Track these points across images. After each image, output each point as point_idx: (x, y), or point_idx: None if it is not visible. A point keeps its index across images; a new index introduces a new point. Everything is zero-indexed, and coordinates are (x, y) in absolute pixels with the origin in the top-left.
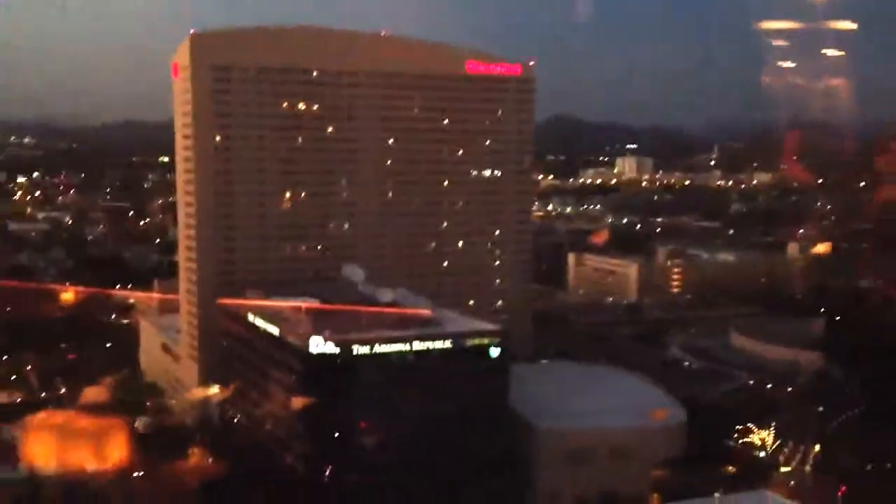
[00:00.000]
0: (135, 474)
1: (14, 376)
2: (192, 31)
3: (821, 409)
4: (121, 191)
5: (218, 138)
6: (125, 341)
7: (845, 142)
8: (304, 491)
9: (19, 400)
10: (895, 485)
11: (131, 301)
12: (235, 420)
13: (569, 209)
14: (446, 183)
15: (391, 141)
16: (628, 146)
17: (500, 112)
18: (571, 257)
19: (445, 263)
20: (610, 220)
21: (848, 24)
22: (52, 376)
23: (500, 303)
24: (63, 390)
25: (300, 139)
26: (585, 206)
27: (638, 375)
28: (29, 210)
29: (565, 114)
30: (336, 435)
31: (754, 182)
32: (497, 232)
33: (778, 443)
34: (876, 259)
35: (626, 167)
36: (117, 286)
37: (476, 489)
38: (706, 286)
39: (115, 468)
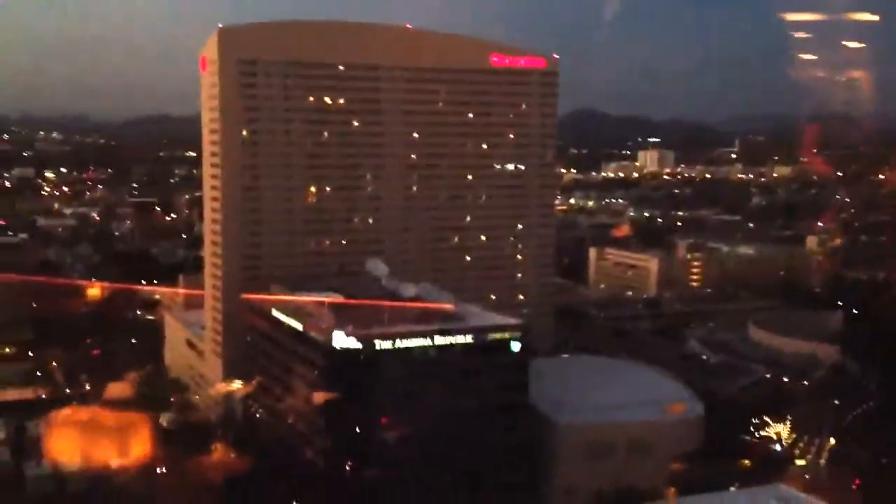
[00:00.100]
0: (159, 470)
1: (40, 372)
2: (219, 25)
3: (837, 402)
4: (148, 186)
5: (245, 132)
6: (150, 337)
7: (865, 134)
8: (326, 486)
9: (45, 396)
10: None
11: (157, 297)
12: (259, 415)
13: (591, 203)
14: (470, 177)
15: (416, 135)
16: (650, 140)
17: (523, 105)
18: (593, 251)
19: (468, 258)
20: (631, 214)
21: (869, 16)
22: (78, 372)
23: (521, 297)
24: (88, 386)
25: (326, 133)
26: (607, 200)
27: (657, 369)
28: (56, 206)
29: (588, 107)
30: (358, 430)
31: (775, 175)
32: (520, 226)
33: (794, 436)
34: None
35: (647, 161)
36: (143, 282)
37: (495, 483)
38: (726, 280)
39: (139, 464)
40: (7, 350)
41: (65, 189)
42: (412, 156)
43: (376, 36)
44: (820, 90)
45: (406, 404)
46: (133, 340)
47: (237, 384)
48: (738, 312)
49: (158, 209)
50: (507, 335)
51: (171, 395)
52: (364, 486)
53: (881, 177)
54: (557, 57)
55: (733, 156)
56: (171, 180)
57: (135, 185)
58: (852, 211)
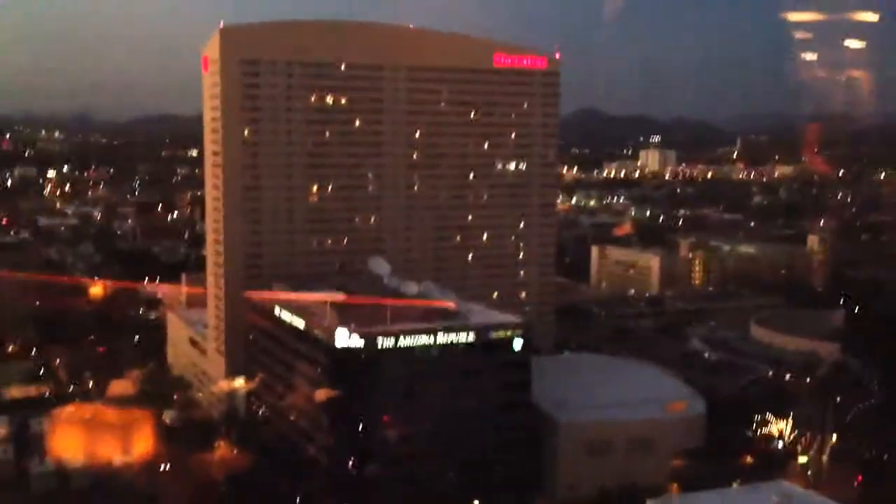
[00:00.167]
0: (162, 467)
1: (43, 370)
2: (221, 24)
3: (838, 400)
4: (150, 185)
5: (246, 132)
6: (153, 335)
7: (866, 134)
8: (329, 483)
9: (48, 393)
10: None
11: (159, 295)
12: (261, 413)
13: (593, 202)
14: (472, 176)
15: (417, 134)
16: (652, 139)
17: (525, 105)
18: (595, 250)
19: (470, 256)
20: (633, 213)
21: (870, 16)
22: (81, 370)
23: (523, 296)
24: (91, 384)
25: (328, 133)
26: (609, 199)
27: (659, 367)
28: (59, 205)
29: (590, 107)
30: (360, 427)
31: (776, 174)
32: (522, 225)
33: (795, 434)
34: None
35: (649, 160)
36: (145, 280)
37: (498, 481)
38: (727, 278)
39: (142, 461)
40: (10, 348)
41: (67, 188)
42: (414, 155)
43: (378, 35)
44: (821, 90)
45: (408, 402)
46: (136, 338)
47: (240, 382)
48: (739, 311)
49: (160, 208)
50: (508, 333)
51: (173, 392)
52: (366, 484)
53: (882, 176)
54: (560, 56)
55: (735, 155)
56: (173, 179)
57: (137, 184)
58: (853, 210)
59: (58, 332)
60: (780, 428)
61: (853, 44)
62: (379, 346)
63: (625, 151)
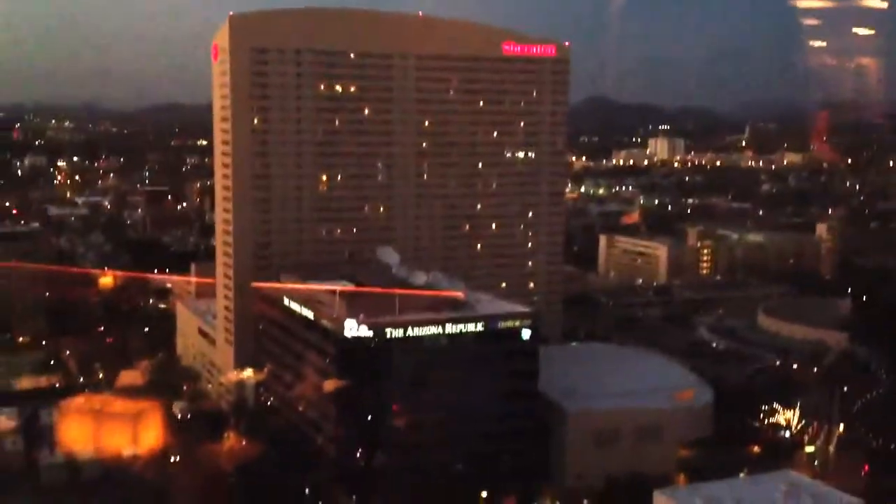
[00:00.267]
0: (171, 457)
1: (52, 360)
2: (230, 13)
3: (846, 389)
4: (160, 174)
5: (256, 120)
6: (162, 325)
7: (875, 122)
8: (338, 473)
9: (58, 384)
10: None
11: (168, 285)
12: (271, 403)
13: (601, 191)
14: (481, 165)
15: (427, 123)
16: (660, 127)
17: (534, 93)
18: (603, 239)
19: (479, 246)
20: (641, 202)
21: (879, 3)
22: (90, 360)
23: (532, 285)
24: (101, 374)
25: (337, 121)
26: (618, 188)
27: (666, 357)
28: (69, 194)
29: (599, 95)
30: (369, 417)
31: (784, 163)
32: (530, 214)
33: (803, 423)
34: None
35: (657, 148)
36: (155, 270)
37: (507, 470)
38: (735, 267)
39: (152, 452)
40: (20, 339)
41: (77, 178)
42: (423, 144)
43: (387, 23)
44: (830, 77)
45: (416, 392)
46: (145, 329)
47: (249, 372)
48: (747, 299)
49: (170, 198)
50: (517, 323)
51: (183, 383)
52: (375, 474)
53: (891, 164)
54: (569, 45)
55: (743, 143)
56: (183, 169)
57: (146, 173)
58: (862, 198)
59: (67, 323)
60: (787, 417)
61: (862, 31)
62: (387, 336)
63: (633, 140)
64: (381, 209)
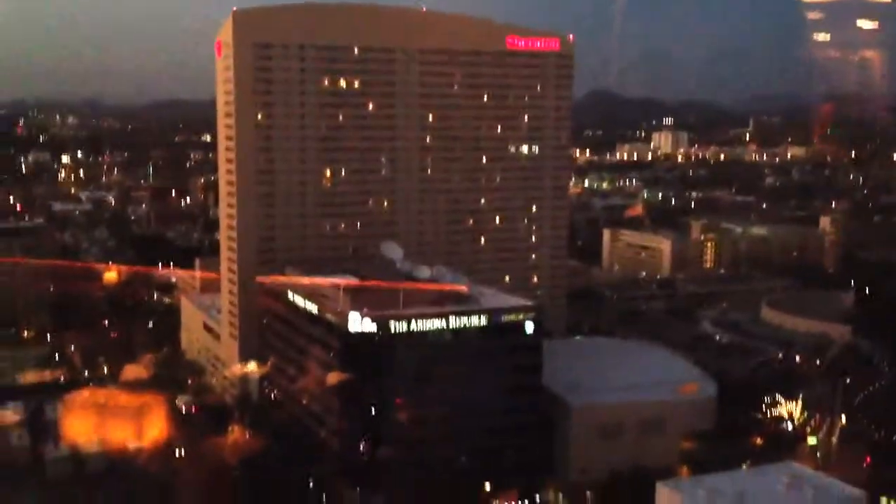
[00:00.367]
0: (176, 451)
1: (57, 355)
2: (234, 8)
3: (848, 381)
4: (164, 170)
5: (259, 116)
6: (167, 320)
7: (880, 115)
8: (342, 467)
9: (62, 378)
10: None
11: (173, 280)
12: (275, 397)
13: (605, 184)
14: (484, 160)
15: (430, 117)
16: (664, 121)
17: (538, 88)
18: (606, 233)
19: (483, 240)
20: (645, 196)
21: None
22: (95, 355)
23: (535, 279)
24: (105, 369)
25: (341, 116)
26: (621, 182)
27: (670, 350)
28: (73, 190)
29: (603, 89)
30: (373, 411)
31: (788, 156)
32: (534, 208)
33: (805, 415)
34: None
35: (661, 142)
36: (159, 265)
37: (511, 464)
38: (739, 260)
39: (156, 445)
40: (25, 334)
41: (81, 173)
42: (427, 138)
43: (390, 18)
44: (834, 70)
45: (420, 386)
46: (149, 324)
47: (253, 366)
48: (750, 293)
49: (174, 193)
50: (520, 317)
51: (187, 377)
52: (379, 467)
53: (895, 157)
54: (573, 39)
55: (747, 137)
56: (187, 164)
57: (151, 169)
58: (865, 192)
59: (72, 318)
60: (789, 410)
61: (866, 24)
62: (391, 330)
63: (637, 134)
64: (385, 204)
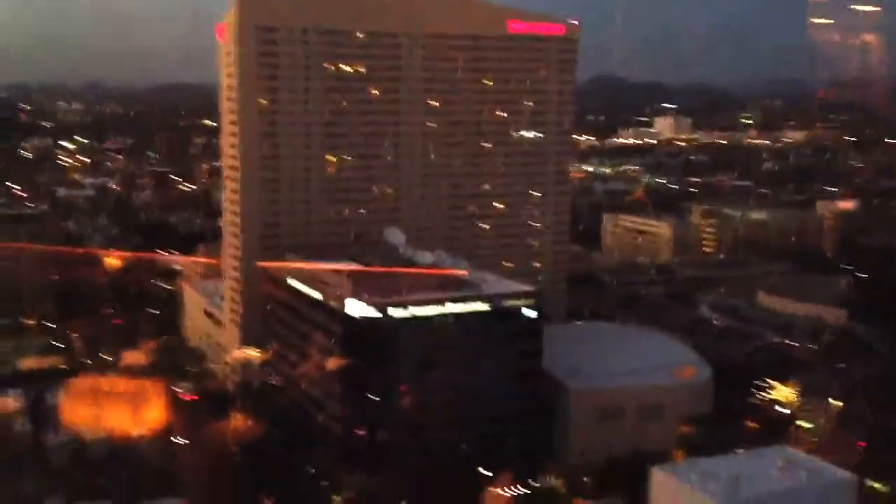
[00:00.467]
0: (177, 437)
1: (59, 342)
2: None
3: (844, 366)
4: (167, 155)
5: (263, 101)
6: (169, 306)
7: (880, 98)
8: (343, 453)
9: (64, 365)
10: None
11: (176, 266)
12: (277, 384)
13: (607, 170)
14: (487, 145)
15: (433, 102)
16: (666, 106)
17: (542, 72)
18: (607, 218)
19: (485, 225)
20: (647, 180)
21: None
22: (97, 342)
23: (537, 264)
24: (107, 355)
25: (345, 102)
26: (623, 166)
27: (668, 335)
28: (76, 176)
29: (606, 73)
30: (375, 397)
31: (789, 140)
32: (536, 193)
33: (801, 400)
34: None
35: (663, 127)
36: (162, 251)
37: (511, 448)
38: (738, 245)
39: (157, 431)
40: (27, 321)
41: (84, 159)
42: (430, 123)
43: (395, 2)
44: (835, 54)
45: (421, 371)
46: (152, 310)
47: (254, 353)
48: (749, 277)
49: (177, 179)
50: (521, 302)
51: (189, 363)
52: (380, 453)
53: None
54: (577, 23)
55: (749, 121)
56: (191, 150)
57: (154, 154)
58: (865, 176)
59: (74, 305)
60: (785, 394)
61: (868, 8)
62: (392, 316)
63: (640, 118)
64: (388, 189)
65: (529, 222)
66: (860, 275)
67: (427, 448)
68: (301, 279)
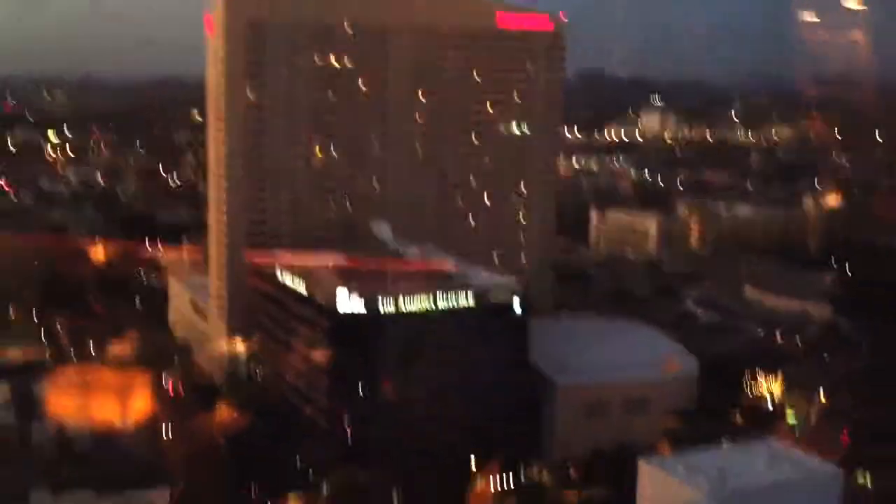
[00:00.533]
0: (162, 429)
1: (44, 333)
2: None
3: (829, 360)
4: (153, 148)
5: (250, 95)
6: (155, 299)
7: (867, 95)
8: (329, 446)
9: (49, 357)
10: None
11: (161, 259)
12: (262, 376)
13: (593, 164)
14: (474, 139)
15: (421, 96)
16: (653, 101)
17: (529, 67)
18: (594, 213)
19: (472, 219)
20: (633, 176)
21: None
22: (82, 333)
23: (524, 258)
24: (92, 347)
25: (332, 95)
26: (609, 162)
27: (654, 329)
28: (61, 168)
29: (594, 69)
30: (361, 390)
31: (776, 136)
32: (523, 188)
33: (786, 394)
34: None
35: (650, 122)
36: (148, 244)
37: (496, 442)
38: (724, 240)
39: (142, 423)
40: (12, 312)
41: (69, 151)
42: (417, 117)
43: None
44: (822, 51)
45: (407, 364)
46: (137, 302)
47: (240, 346)
48: (734, 272)
49: (164, 172)
50: (507, 295)
51: (174, 355)
52: (366, 446)
53: (882, 139)
54: (565, 19)
55: (735, 117)
56: (177, 143)
57: (140, 147)
58: (852, 173)
59: (59, 296)
60: (770, 388)
61: (854, 5)
62: (379, 309)
63: (626, 113)
64: (376, 183)
65: (516, 217)
66: (845, 271)
67: (413, 441)
68: (288, 272)
